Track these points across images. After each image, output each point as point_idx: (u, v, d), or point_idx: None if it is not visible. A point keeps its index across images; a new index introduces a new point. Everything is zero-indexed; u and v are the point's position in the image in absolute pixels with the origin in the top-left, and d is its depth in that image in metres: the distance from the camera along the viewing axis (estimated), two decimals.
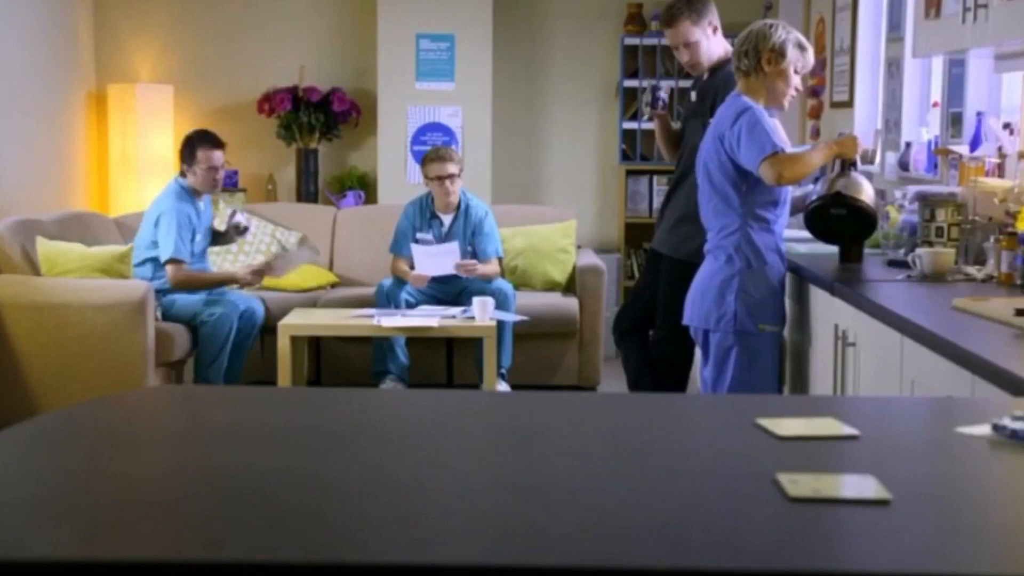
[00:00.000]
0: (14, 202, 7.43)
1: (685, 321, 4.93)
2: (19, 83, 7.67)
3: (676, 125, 6.06)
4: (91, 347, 6.44)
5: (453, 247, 7.32)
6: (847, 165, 4.83)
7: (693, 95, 5.80)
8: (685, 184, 5.56)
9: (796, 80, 4.75)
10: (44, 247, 6.78)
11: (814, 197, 4.87)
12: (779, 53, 4.68)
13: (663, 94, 5.68)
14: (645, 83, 5.70)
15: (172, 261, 6.95)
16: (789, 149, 4.62)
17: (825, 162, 4.84)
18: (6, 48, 7.52)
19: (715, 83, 5.51)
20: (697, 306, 4.82)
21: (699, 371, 5.07)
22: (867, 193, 4.80)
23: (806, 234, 5.61)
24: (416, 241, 7.41)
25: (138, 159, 8.54)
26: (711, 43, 5.57)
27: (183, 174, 7.11)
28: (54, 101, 8.25)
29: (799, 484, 1.77)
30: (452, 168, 7.34)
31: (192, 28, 9.01)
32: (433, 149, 7.52)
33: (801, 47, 4.72)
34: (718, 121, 4.73)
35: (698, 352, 5.12)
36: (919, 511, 1.75)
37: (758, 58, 4.68)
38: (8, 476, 1.89)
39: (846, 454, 2.04)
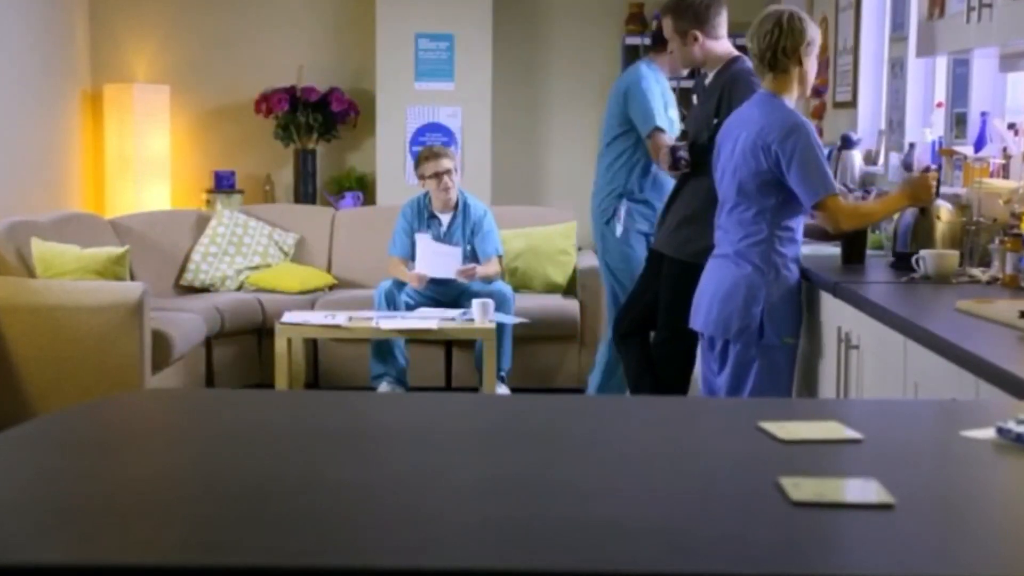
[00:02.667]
0: (9, 203, 7.40)
1: (699, 327, 4.78)
2: (14, 82, 7.63)
3: None
4: (87, 350, 6.41)
5: (456, 252, 7.28)
6: (923, 213, 4.67)
7: (695, 97, 5.77)
8: (689, 185, 5.54)
9: (816, 66, 4.68)
10: (39, 248, 6.77)
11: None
12: (812, 45, 4.58)
13: (683, 153, 5.55)
14: (667, 145, 5.66)
15: (656, 130, 6.18)
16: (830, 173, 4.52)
17: (893, 214, 4.72)
18: (1, 47, 7.48)
19: (720, 83, 5.47)
20: (716, 313, 4.66)
21: (700, 374, 4.95)
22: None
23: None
24: (414, 243, 7.36)
25: (134, 160, 8.51)
26: (692, 49, 5.53)
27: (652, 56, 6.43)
28: (49, 101, 8.22)
29: (802, 488, 1.76)
30: (448, 163, 7.33)
31: (189, 28, 8.98)
32: (426, 148, 7.50)
33: (815, 30, 4.64)
34: (761, 130, 4.52)
35: (700, 354, 5.02)
36: (923, 515, 1.74)
37: (795, 53, 4.55)
38: (4, 480, 1.88)
39: (849, 458, 2.04)
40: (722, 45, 5.55)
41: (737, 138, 4.62)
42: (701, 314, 4.75)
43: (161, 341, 6.64)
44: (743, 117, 4.67)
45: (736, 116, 4.74)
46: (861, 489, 1.80)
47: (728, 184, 4.66)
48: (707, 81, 5.64)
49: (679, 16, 5.54)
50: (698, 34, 5.50)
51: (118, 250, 6.99)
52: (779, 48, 4.54)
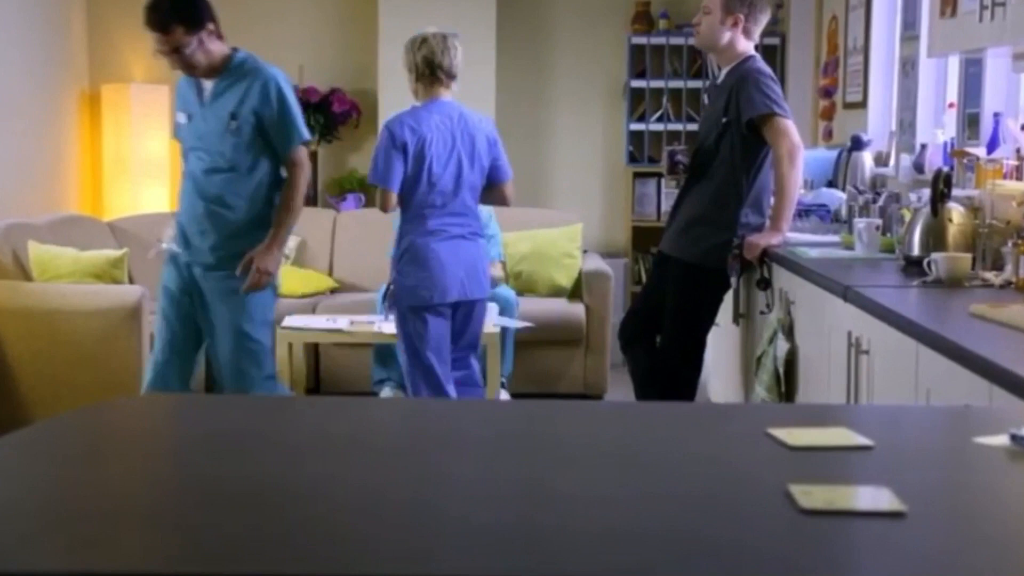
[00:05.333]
0: (5, 205, 7.36)
1: (478, 295, 5.73)
2: (10, 83, 7.58)
3: None
4: (84, 354, 6.41)
5: None
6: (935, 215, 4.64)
7: (706, 98, 5.71)
8: (697, 185, 5.54)
9: None
10: (36, 251, 6.75)
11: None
12: None
13: (681, 156, 5.68)
14: (666, 149, 5.74)
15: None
16: None
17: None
18: None
19: (731, 82, 5.43)
20: (486, 281, 5.77)
21: (429, 344, 5.62)
22: None
23: (819, 237, 5.53)
24: None
25: (132, 161, 8.45)
26: (725, 30, 5.43)
27: None
28: (46, 101, 8.16)
29: (812, 495, 1.75)
30: None
31: None
32: None
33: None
34: (487, 126, 5.69)
35: (435, 327, 5.63)
36: (935, 523, 1.73)
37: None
38: (1, 486, 1.87)
39: (860, 465, 2.01)
40: (745, 43, 5.50)
41: (460, 136, 5.53)
42: (480, 284, 5.72)
43: None
44: (447, 122, 5.52)
45: (429, 119, 5.50)
46: (872, 497, 1.78)
47: (469, 176, 5.57)
48: (719, 80, 5.60)
49: None
50: (740, 19, 5.43)
51: (116, 253, 6.97)
52: (455, 62, 5.59)
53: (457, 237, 5.59)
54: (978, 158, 5.15)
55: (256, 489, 1.81)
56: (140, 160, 8.46)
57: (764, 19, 5.52)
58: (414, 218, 5.57)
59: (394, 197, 5.52)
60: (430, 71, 5.54)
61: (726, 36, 5.46)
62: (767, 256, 5.25)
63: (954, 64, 5.90)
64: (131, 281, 7.12)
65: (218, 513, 1.72)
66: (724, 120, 5.37)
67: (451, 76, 5.57)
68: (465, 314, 5.73)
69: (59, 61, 8.37)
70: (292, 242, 8.12)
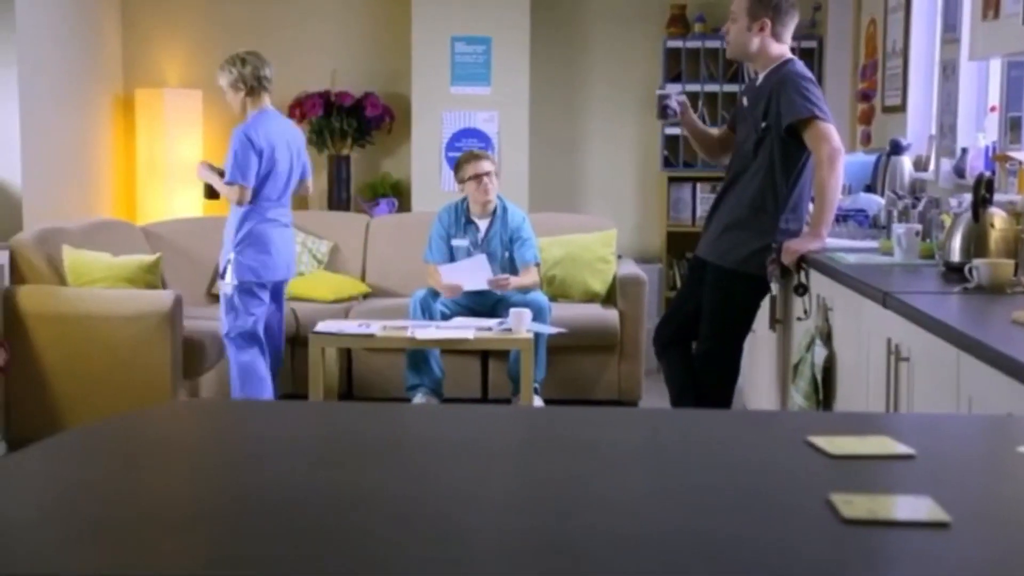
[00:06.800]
0: (40, 210, 7.35)
1: (290, 275, 6.72)
2: (45, 88, 7.60)
3: (715, 129, 5.96)
4: (118, 359, 6.43)
5: (482, 261, 7.19)
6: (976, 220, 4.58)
7: (745, 100, 5.66)
8: (735, 189, 5.52)
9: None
10: (70, 256, 6.75)
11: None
12: None
13: (670, 102, 5.71)
14: (657, 92, 5.73)
15: None
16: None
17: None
18: (32, 52, 7.44)
19: (770, 85, 5.38)
20: (293, 264, 6.74)
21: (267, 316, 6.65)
22: None
23: (857, 243, 5.47)
24: (451, 248, 7.38)
25: (166, 166, 8.46)
26: (753, 36, 5.42)
27: None
28: (80, 106, 8.17)
29: (853, 505, 1.72)
30: (488, 166, 7.29)
31: (221, 31, 8.91)
32: (466, 152, 7.43)
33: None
34: (300, 135, 6.80)
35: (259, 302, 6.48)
36: (979, 534, 1.69)
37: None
38: (34, 492, 1.88)
39: (901, 474, 1.98)
40: (778, 47, 5.46)
41: (291, 143, 6.57)
42: (290, 267, 6.69)
43: (193, 350, 6.61)
44: (280, 128, 6.56)
45: (270, 126, 6.47)
46: (914, 507, 1.75)
47: (294, 174, 6.62)
48: (757, 83, 5.55)
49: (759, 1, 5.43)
50: (768, 23, 5.40)
51: (150, 258, 6.96)
52: (272, 74, 6.53)
53: (284, 226, 6.61)
54: (1020, 162, 5.10)
55: (289, 496, 1.81)
56: (174, 164, 8.46)
57: (792, 21, 5.50)
58: (256, 209, 6.44)
59: (250, 192, 6.38)
60: (258, 83, 6.47)
61: (755, 42, 5.44)
62: (804, 262, 5.19)
63: (996, 67, 5.85)
64: (165, 286, 7.11)
65: (250, 519, 1.71)
66: (763, 125, 5.33)
67: (271, 84, 6.56)
68: (279, 294, 6.76)
69: (93, 66, 8.39)
70: (324, 247, 8.10)
